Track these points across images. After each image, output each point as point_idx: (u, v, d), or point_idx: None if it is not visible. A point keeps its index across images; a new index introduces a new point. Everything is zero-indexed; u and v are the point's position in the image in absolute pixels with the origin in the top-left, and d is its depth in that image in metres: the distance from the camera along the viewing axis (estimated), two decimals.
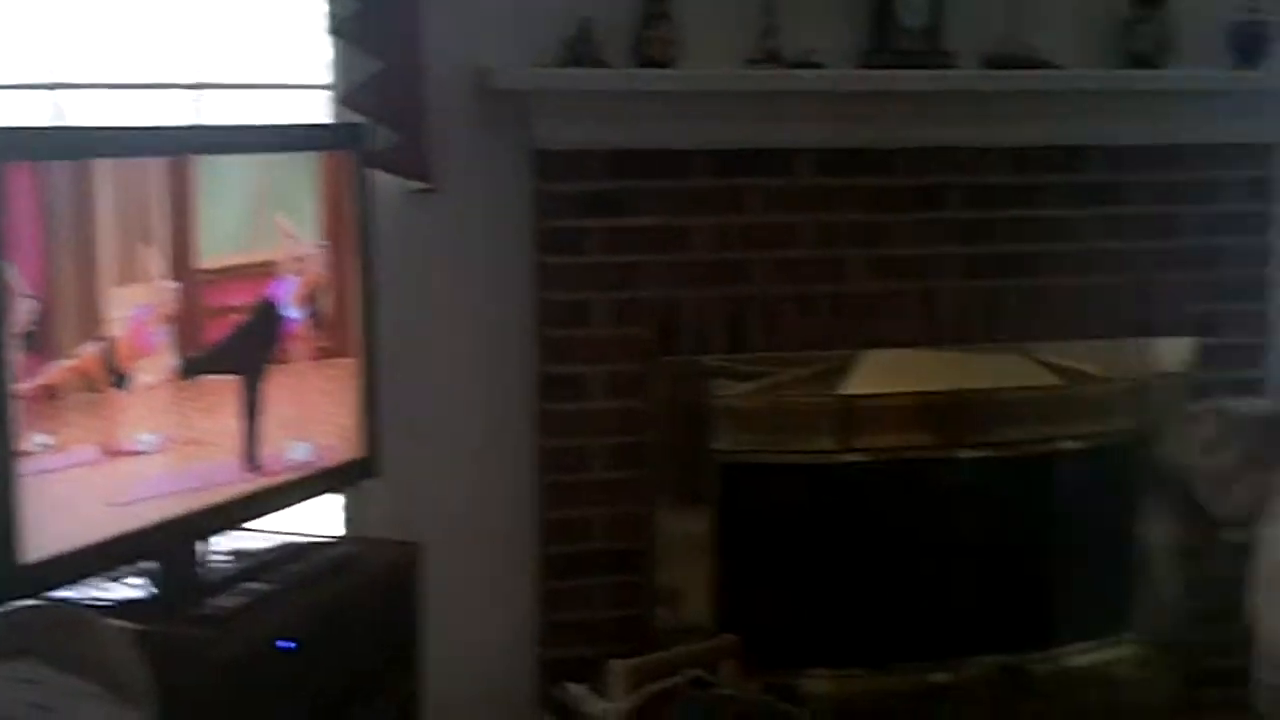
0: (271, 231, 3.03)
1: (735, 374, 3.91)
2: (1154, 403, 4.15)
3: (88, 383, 2.62)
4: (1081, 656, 4.28)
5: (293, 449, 3.08)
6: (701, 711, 3.52)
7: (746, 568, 4.01)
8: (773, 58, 3.75)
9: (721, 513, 3.97)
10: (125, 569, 2.81)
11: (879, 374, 4.00)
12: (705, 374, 3.88)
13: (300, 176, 3.12)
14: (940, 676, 4.16)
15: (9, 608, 2.04)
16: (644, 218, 3.76)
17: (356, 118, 3.42)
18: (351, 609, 3.03)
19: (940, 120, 3.89)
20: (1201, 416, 3.38)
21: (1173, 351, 4.20)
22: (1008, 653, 4.21)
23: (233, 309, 2.93)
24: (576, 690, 3.67)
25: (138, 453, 2.73)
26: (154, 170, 2.77)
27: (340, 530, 3.67)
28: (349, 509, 3.70)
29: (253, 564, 2.96)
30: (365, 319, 3.24)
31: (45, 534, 2.52)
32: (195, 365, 2.83)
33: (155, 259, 2.75)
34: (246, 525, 3.05)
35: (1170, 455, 3.41)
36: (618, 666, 3.61)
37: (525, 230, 3.74)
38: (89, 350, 2.62)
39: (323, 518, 3.57)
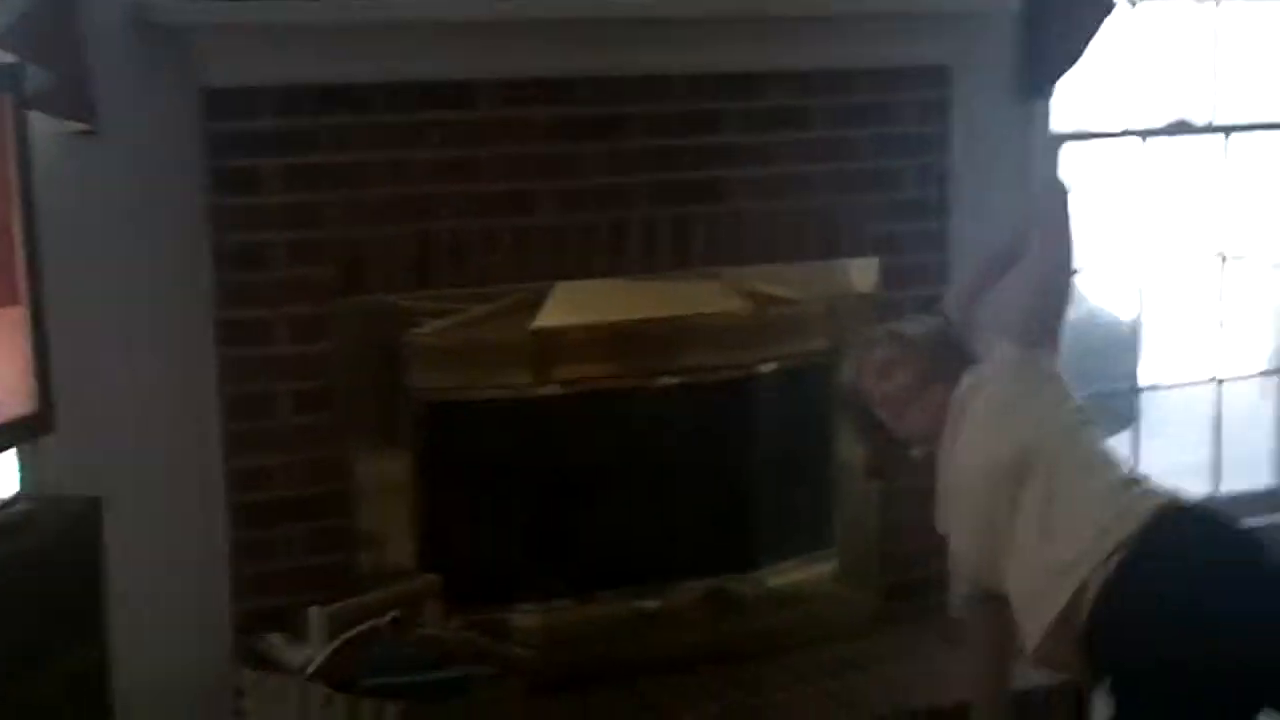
0: None
1: (426, 312, 3.85)
2: (844, 324, 4.22)
3: None
4: (784, 576, 4.35)
5: None
6: (401, 653, 3.49)
7: (450, 506, 3.98)
8: None
9: (421, 452, 3.91)
10: None
11: (572, 306, 3.98)
12: (395, 313, 3.82)
13: None
14: (648, 603, 4.19)
15: None
16: (322, 155, 3.67)
17: (10, 58, 3.27)
18: (28, 570, 2.93)
19: (622, 48, 3.87)
20: (876, 340, 3.45)
21: (861, 272, 4.28)
22: (713, 576, 4.27)
23: None
24: (276, 640, 3.61)
25: None
26: None
27: (15, 489, 3.52)
28: (24, 466, 3.55)
29: None
30: (29, 267, 3.11)
31: None
32: None
33: None
34: None
35: (849, 377, 3.48)
36: (316, 613, 3.55)
37: (197, 171, 3.62)
38: None
39: None
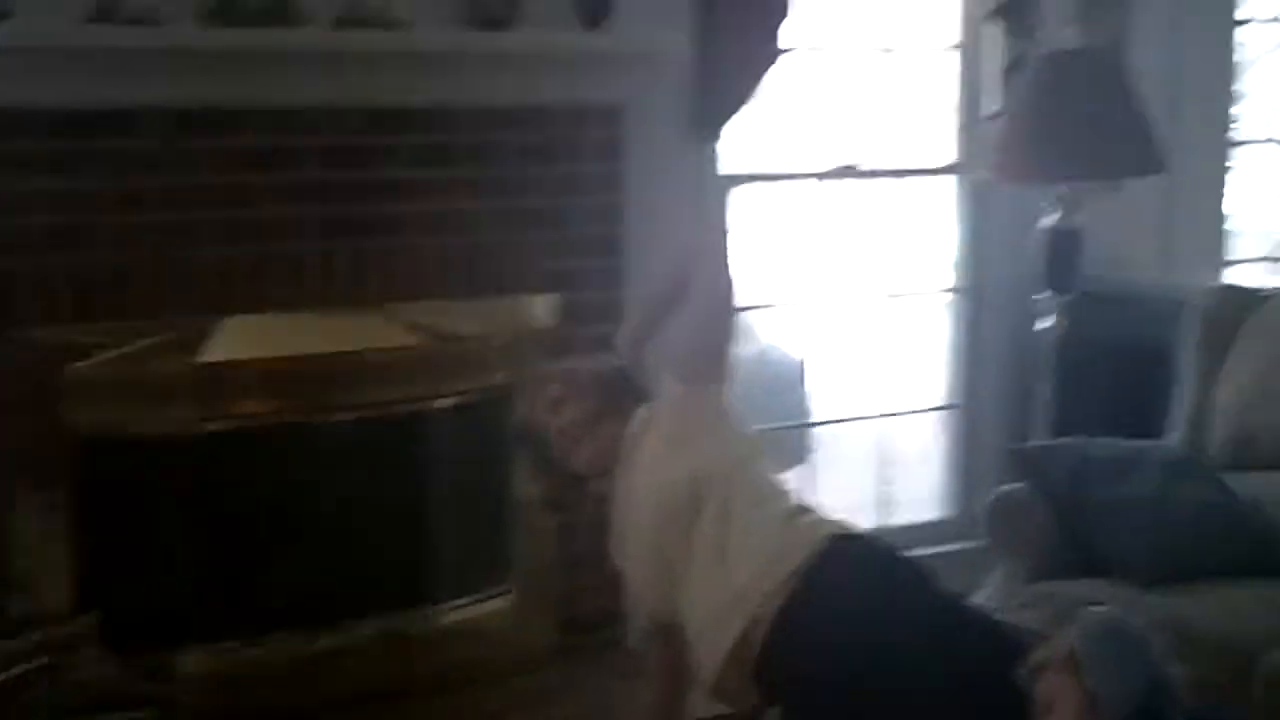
0: None
1: (87, 345, 3.72)
2: (522, 360, 4.22)
3: None
4: (460, 612, 4.33)
5: None
6: (55, 700, 3.35)
7: (111, 547, 3.85)
8: (110, 14, 3.58)
9: (81, 491, 3.78)
10: None
11: (243, 340, 3.90)
12: (53, 346, 3.68)
13: None
14: (321, 643, 4.12)
15: None
16: None
17: None
18: None
19: (294, 80, 3.82)
20: (549, 376, 3.47)
21: (539, 309, 4.29)
22: (388, 614, 4.22)
23: None
24: None
25: None
26: None
27: None
28: None
29: None
30: None
31: None
32: None
33: None
34: None
35: (524, 414, 3.48)
36: None
37: None
38: None
39: None
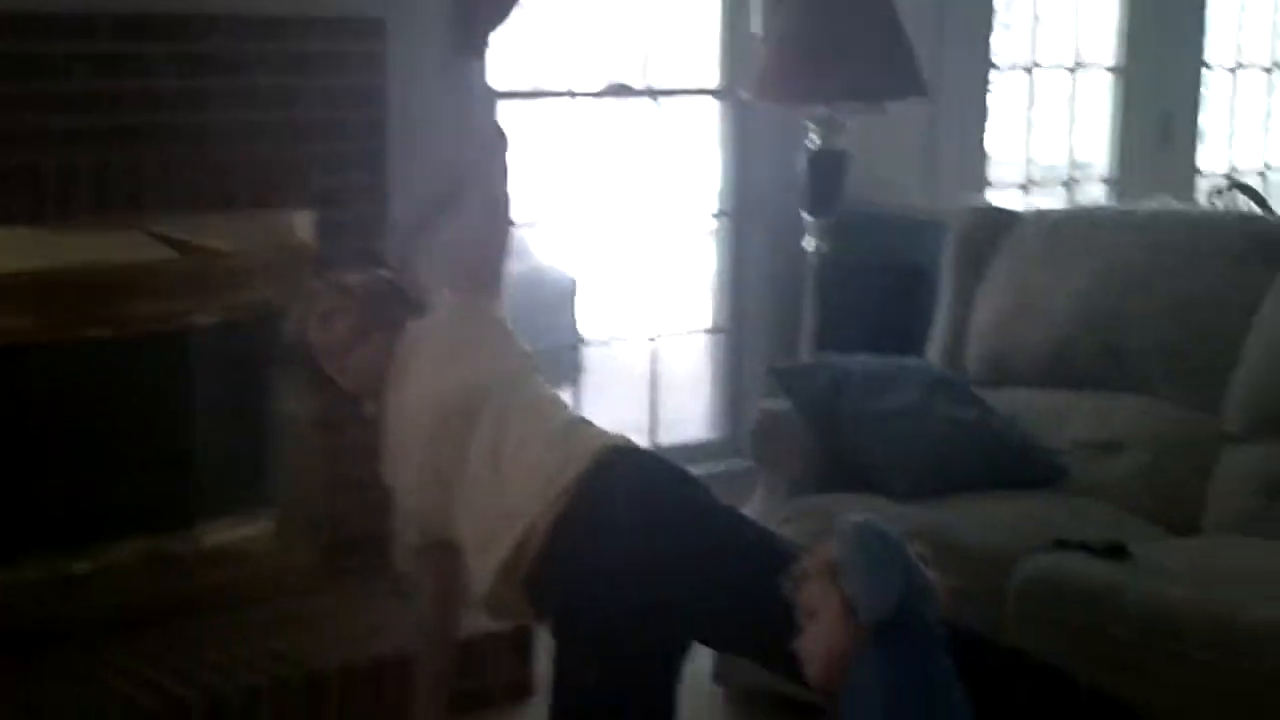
0: None
1: None
2: (283, 276, 4.13)
3: None
4: (221, 533, 4.23)
5: None
6: None
7: None
8: None
9: None
10: None
11: None
12: None
13: None
14: (78, 566, 3.99)
15: None
16: None
17: None
18: None
19: None
20: (317, 290, 3.42)
21: (298, 224, 4.20)
22: (147, 535, 4.11)
23: None
24: None
25: None
26: None
27: None
28: None
29: None
30: None
31: None
32: None
33: None
34: None
35: (293, 329, 3.42)
36: None
37: None
38: None
39: None
